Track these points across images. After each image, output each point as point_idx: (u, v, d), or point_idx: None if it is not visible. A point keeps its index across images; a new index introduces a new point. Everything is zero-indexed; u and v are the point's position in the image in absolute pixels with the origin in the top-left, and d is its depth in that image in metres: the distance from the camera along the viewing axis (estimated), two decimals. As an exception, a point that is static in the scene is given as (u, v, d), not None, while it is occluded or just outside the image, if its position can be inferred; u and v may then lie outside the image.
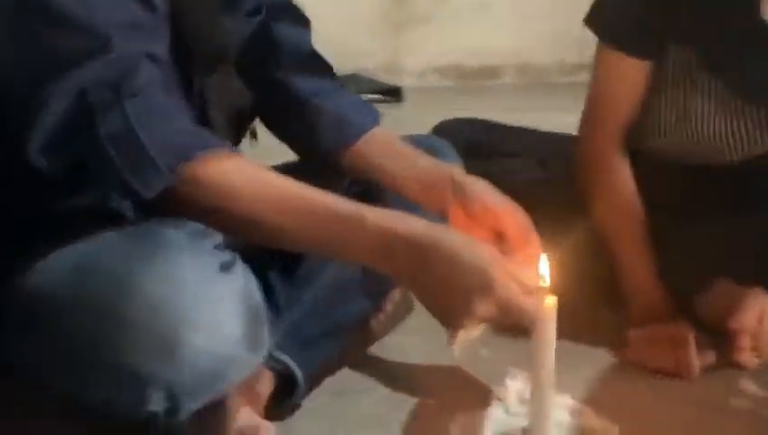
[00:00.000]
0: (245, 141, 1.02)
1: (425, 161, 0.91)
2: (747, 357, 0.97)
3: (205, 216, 0.67)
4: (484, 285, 0.66)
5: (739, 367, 0.97)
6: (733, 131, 1.07)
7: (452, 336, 0.71)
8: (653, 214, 1.09)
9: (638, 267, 1.04)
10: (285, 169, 1.02)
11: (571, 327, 1.06)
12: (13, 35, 0.63)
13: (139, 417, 0.59)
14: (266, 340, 0.66)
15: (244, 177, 0.69)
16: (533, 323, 0.71)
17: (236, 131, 0.94)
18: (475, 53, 3.62)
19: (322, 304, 0.90)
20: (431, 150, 0.98)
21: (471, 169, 0.96)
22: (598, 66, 1.10)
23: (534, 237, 0.82)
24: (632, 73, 1.07)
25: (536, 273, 0.73)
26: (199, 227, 0.65)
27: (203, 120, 0.82)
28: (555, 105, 1.09)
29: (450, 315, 0.69)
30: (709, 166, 1.13)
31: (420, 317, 0.93)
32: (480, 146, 1.15)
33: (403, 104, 3.18)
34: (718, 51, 1.03)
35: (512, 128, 1.28)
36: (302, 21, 0.97)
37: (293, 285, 0.90)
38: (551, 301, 0.75)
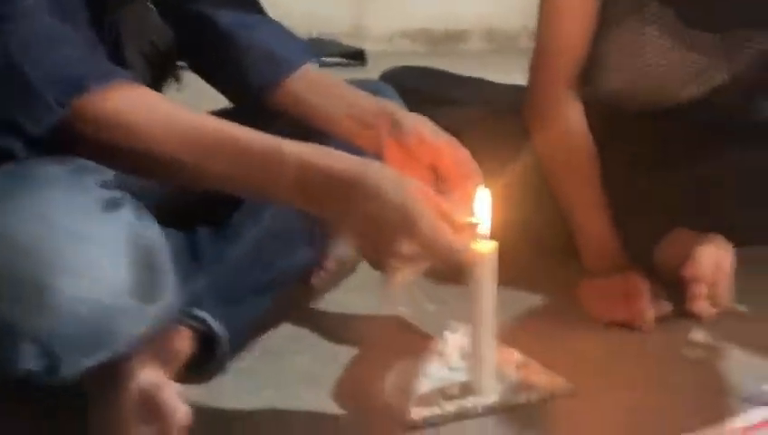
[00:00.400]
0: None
1: (360, 98, 0.85)
2: (703, 306, 0.92)
3: (104, 155, 0.60)
4: (408, 223, 0.61)
5: (695, 317, 0.93)
6: (685, 63, 1.02)
7: (386, 281, 0.66)
8: (609, 164, 1.04)
9: (591, 213, 0.99)
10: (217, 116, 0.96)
11: (515, 275, 1.02)
12: None
13: (15, 375, 0.52)
14: (169, 290, 0.59)
15: (147, 110, 0.63)
16: (467, 265, 0.65)
17: (158, 73, 0.87)
18: (441, 18, 3.54)
19: (250, 260, 0.83)
20: (374, 94, 0.92)
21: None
22: (544, 4, 1.05)
23: (474, 173, 0.76)
24: (580, 7, 1.02)
25: (471, 210, 0.68)
26: (86, 163, 0.58)
27: (117, 59, 0.76)
28: (523, 70, 1.04)
29: (376, 255, 0.65)
30: (668, 114, 1.09)
31: (364, 274, 0.88)
32: (427, 93, 1.08)
33: (367, 68, 3.10)
34: None
35: (460, 77, 1.22)
36: None
37: (222, 239, 0.83)
38: (490, 245, 0.69)
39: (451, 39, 3.60)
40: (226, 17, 0.87)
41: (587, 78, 1.05)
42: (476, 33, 3.74)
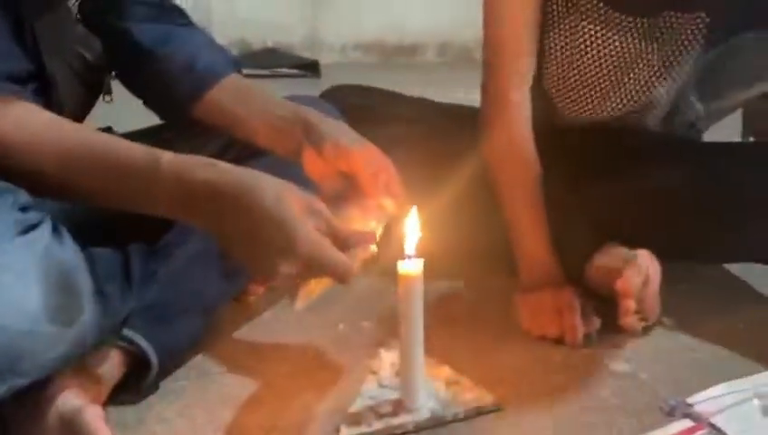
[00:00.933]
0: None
1: (278, 107, 0.86)
2: (632, 321, 0.94)
3: None
4: (287, 243, 0.62)
5: (625, 331, 0.95)
6: (624, 50, 1.06)
7: (294, 296, 0.69)
8: (550, 177, 1.06)
9: (529, 228, 1.01)
10: (147, 134, 0.95)
11: (448, 288, 1.04)
12: None
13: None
14: (87, 311, 0.59)
15: (21, 125, 0.63)
16: (347, 276, 0.66)
17: (87, 85, 0.88)
18: (395, 30, 3.57)
19: (182, 279, 0.82)
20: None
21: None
22: (489, 8, 1.07)
23: (390, 178, 0.78)
24: (520, 13, 1.05)
25: (369, 221, 0.69)
26: (4, 184, 0.57)
27: (39, 69, 0.75)
28: (477, 82, 1.06)
29: (256, 270, 0.66)
30: (605, 124, 1.13)
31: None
32: (368, 110, 1.09)
33: (321, 80, 3.11)
34: None
35: (402, 95, 1.24)
36: None
37: (153, 257, 0.82)
38: (417, 264, 0.70)
39: (404, 51, 3.63)
40: (148, 32, 0.87)
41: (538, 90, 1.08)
42: (430, 46, 3.79)
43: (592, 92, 1.11)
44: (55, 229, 0.59)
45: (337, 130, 0.83)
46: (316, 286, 0.70)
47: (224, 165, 0.65)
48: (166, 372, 0.80)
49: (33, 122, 0.63)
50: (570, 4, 1.07)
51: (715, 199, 1.02)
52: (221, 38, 3.32)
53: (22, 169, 0.60)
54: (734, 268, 1.16)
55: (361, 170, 0.79)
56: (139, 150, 0.64)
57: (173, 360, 0.80)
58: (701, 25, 1.06)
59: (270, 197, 0.63)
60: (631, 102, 1.11)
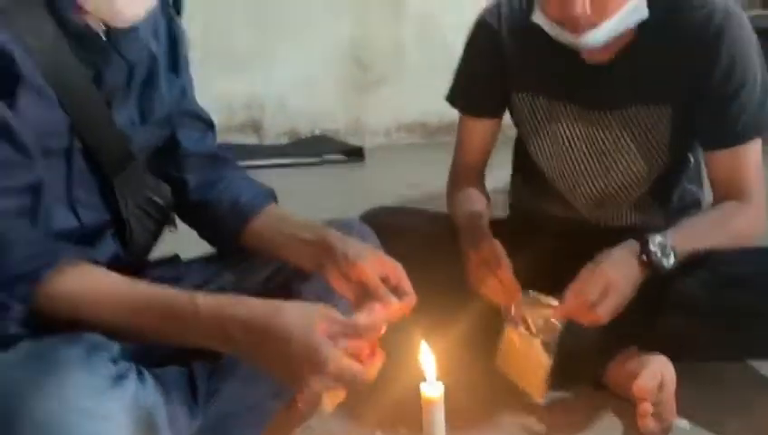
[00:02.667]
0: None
1: (305, 230, 0.99)
2: (649, 423, 1.02)
3: (71, 323, 0.74)
4: (316, 365, 0.73)
5: (644, 433, 1.02)
6: (602, 139, 1.22)
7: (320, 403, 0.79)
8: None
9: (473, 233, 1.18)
10: (210, 260, 1.09)
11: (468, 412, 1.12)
12: None
13: None
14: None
15: (86, 286, 0.76)
16: (364, 384, 0.77)
17: (156, 222, 1.02)
18: (435, 110, 3.74)
19: (240, 396, 0.94)
20: (350, 232, 1.04)
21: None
22: (459, 123, 1.37)
23: (398, 279, 0.91)
24: (480, 129, 1.34)
25: (373, 336, 0.80)
26: (95, 340, 0.71)
27: (117, 215, 0.92)
28: (509, 159, 1.31)
29: (292, 387, 0.77)
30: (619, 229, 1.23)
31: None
32: (397, 228, 1.22)
33: (366, 163, 3.28)
34: (556, 85, 1.22)
35: (428, 212, 1.38)
36: (205, 124, 1.07)
37: (214, 376, 0.94)
38: (438, 389, 0.80)
39: (446, 130, 3.79)
40: (197, 178, 1.04)
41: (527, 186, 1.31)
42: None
43: (580, 176, 1.26)
44: (139, 373, 0.72)
45: (351, 247, 0.95)
46: (341, 392, 0.80)
47: (252, 301, 0.77)
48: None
49: (99, 283, 0.77)
50: (551, 111, 1.23)
51: (728, 303, 1.07)
52: (273, 128, 3.56)
53: (95, 322, 0.74)
54: (756, 365, 1.21)
55: (369, 278, 0.91)
56: (182, 299, 0.77)
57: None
58: (667, 118, 1.17)
59: (297, 324, 0.74)
60: (616, 181, 1.24)
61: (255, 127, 3.55)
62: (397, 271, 0.94)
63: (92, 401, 0.65)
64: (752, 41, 1.12)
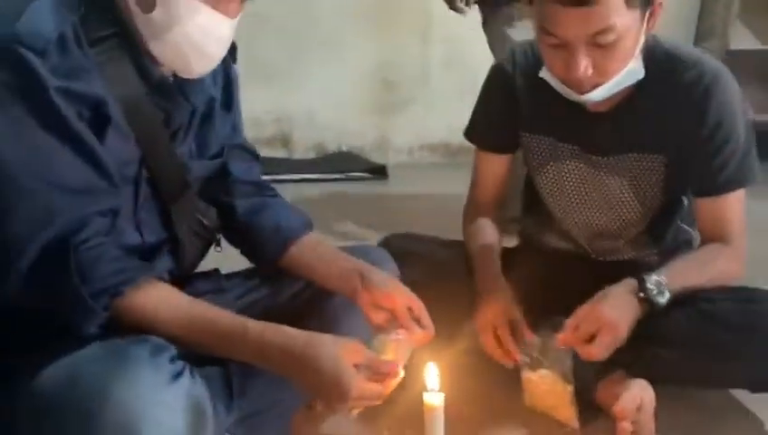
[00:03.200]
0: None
1: (340, 260, 1.15)
2: (628, 441, 1.15)
3: (140, 331, 0.89)
4: (342, 392, 0.88)
5: (624, 449, 1.15)
6: (600, 181, 1.35)
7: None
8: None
9: (479, 262, 1.32)
10: (250, 275, 1.24)
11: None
12: None
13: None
14: (208, 427, 0.86)
15: (158, 303, 0.92)
16: (380, 401, 0.92)
17: (205, 242, 1.17)
18: (457, 131, 3.89)
19: (270, 392, 1.08)
20: (368, 257, 1.19)
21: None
22: (475, 158, 1.50)
23: (419, 312, 1.07)
24: (494, 163, 1.47)
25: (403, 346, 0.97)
26: (159, 342, 0.86)
27: (172, 235, 1.07)
28: None
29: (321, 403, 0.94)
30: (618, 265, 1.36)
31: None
32: (416, 255, 1.37)
33: (389, 180, 3.43)
34: (561, 128, 1.35)
35: (444, 241, 1.52)
36: (252, 155, 1.23)
37: (247, 374, 1.08)
38: (438, 397, 0.94)
39: (467, 151, 3.94)
40: (247, 205, 1.19)
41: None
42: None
43: (580, 213, 1.39)
44: (191, 371, 0.87)
45: (383, 279, 1.10)
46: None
47: (291, 330, 0.92)
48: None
49: (170, 301, 0.92)
50: (556, 151, 1.36)
51: (709, 339, 1.18)
52: (302, 142, 3.72)
53: (163, 334, 0.88)
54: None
55: (398, 308, 1.07)
56: (234, 322, 0.92)
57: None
58: (661, 166, 1.30)
59: (327, 358, 0.89)
60: (613, 219, 1.36)
61: (284, 141, 3.72)
62: (419, 305, 1.09)
63: (157, 393, 0.80)
64: (737, 100, 1.25)
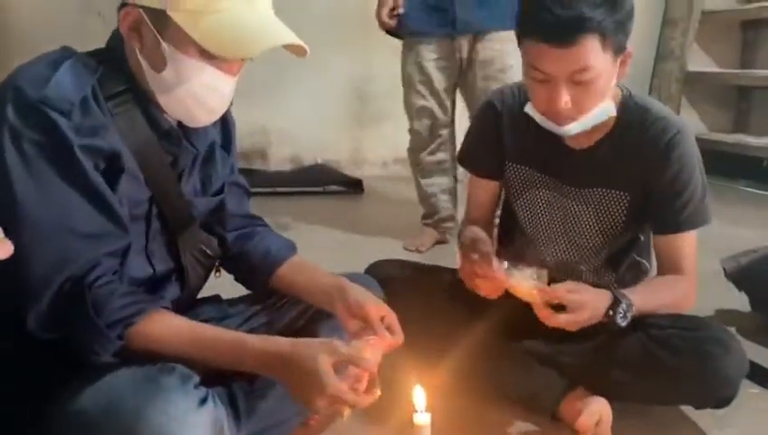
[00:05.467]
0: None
1: (321, 277, 1.28)
2: (588, 452, 1.30)
3: (153, 355, 1.00)
4: (320, 388, 0.99)
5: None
6: (568, 210, 1.49)
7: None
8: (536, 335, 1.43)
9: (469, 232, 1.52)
10: (247, 304, 1.36)
11: None
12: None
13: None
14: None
15: (166, 329, 1.03)
16: (357, 406, 1.02)
17: (206, 269, 1.29)
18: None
19: (273, 413, 1.20)
20: (356, 281, 1.31)
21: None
22: (468, 181, 1.66)
23: (391, 321, 1.19)
24: (482, 186, 1.63)
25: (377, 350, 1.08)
26: (185, 371, 0.97)
27: (178, 264, 1.19)
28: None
29: (303, 404, 1.04)
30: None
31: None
32: (399, 280, 1.50)
33: (364, 194, 3.55)
34: (540, 161, 1.49)
35: (425, 266, 1.65)
36: (243, 190, 1.35)
37: (252, 396, 1.19)
38: (425, 417, 1.08)
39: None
40: (236, 234, 1.32)
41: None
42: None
43: (549, 238, 1.53)
44: (213, 397, 0.98)
45: (360, 293, 1.23)
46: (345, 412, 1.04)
47: (280, 339, 1.03)
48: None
49: (176, 327, 1.03)
50: (533, 180, 1.51)
51: (658, 362, 1.33)
52: (278, 153, 3.81)
53: (174, 356, 0.99)
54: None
55: (371, 317, 1.18)
56: (230, 336, 1.04)
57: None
58: (625, 202, 1.45)
59: (307, 358, 0.99)
60: (577, 248, 1.51)
61: (261, 153, 3.82)
62: (391, 315, 1.21)
63: (187, 415, 0.92)
64: (696, 153, 1.41)
